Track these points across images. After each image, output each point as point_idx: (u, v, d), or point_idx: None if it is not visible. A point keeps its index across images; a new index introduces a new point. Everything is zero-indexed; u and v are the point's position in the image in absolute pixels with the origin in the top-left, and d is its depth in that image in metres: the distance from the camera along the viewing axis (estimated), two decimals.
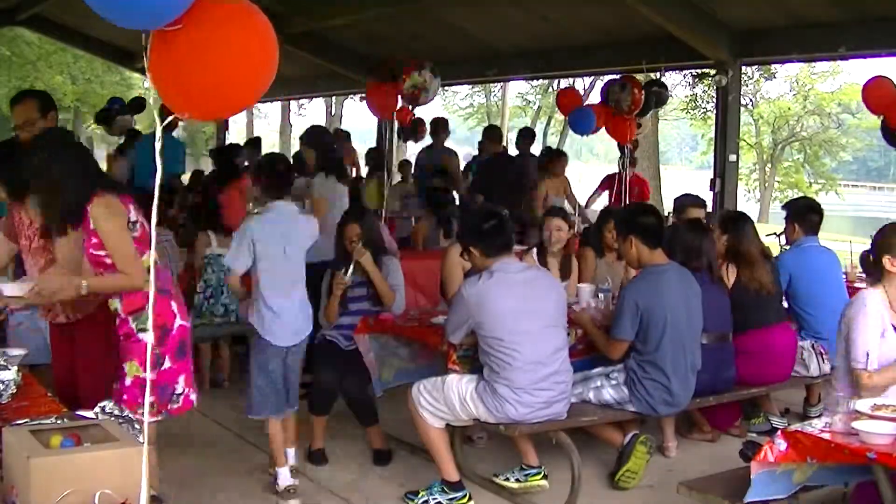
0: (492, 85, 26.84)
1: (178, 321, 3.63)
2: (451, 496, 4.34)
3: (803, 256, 5.71)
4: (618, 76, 9.27)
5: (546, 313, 4.30)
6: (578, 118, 9.23)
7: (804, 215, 5.83)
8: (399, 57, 8.84)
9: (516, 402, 4.16)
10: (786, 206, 6.13)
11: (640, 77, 9.06)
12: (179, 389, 3.64)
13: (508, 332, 4.16)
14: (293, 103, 30.66)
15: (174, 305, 3.62)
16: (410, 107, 8.66)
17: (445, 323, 4.48)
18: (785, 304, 5.62)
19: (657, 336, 4.54)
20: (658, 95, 9.02)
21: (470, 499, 4.38)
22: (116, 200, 3.44)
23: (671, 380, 4.56)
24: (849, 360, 3.79)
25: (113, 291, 3.48)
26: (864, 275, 5.33)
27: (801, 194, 26.84)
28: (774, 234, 7.20)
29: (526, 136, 10.04)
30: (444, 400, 4.30)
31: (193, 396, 3.70)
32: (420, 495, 4.39)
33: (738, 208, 8.99)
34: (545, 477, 4.58)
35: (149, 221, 3.08)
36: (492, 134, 10.20)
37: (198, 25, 2.21)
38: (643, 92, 8.74)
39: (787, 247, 6.09)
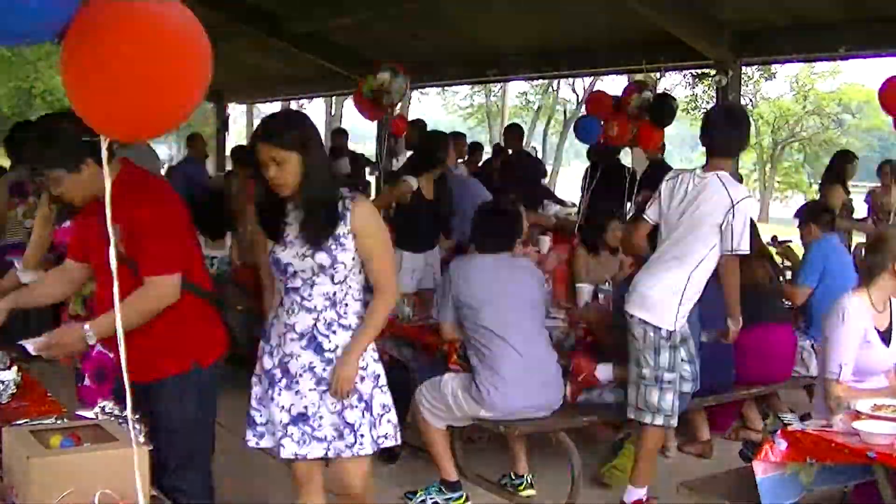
0: (492, 85, 26.84)
1: (98, 347, 3.54)
2: (447, 496, 4.37)
3: (833, 250, 5.69)
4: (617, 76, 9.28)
5: (525, 298, 4.37)
6: (583, 127, 9.10)
7: (819, 214, 5.83)
8: (376, 59, 8.98)
9: (498, 387, 4.19)
10: (798, 213, 6.13)
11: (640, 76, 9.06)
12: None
13: (486, 311, 4.24)
14: (293, 103, 30.66)
15: None
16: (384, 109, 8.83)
17: (438, 304, 4.57)
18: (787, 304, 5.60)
19: None
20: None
21: (467, 500, 4.40)
22: None
23: None
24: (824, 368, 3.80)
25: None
26: None
27: (800, 195, 26.88)
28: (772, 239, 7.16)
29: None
30: (441, 399, 4.33)
31: None
32: (418, 495, 4.42)
33: None
34: (531, 486, 4.61)
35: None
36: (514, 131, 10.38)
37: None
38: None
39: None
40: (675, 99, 9.26)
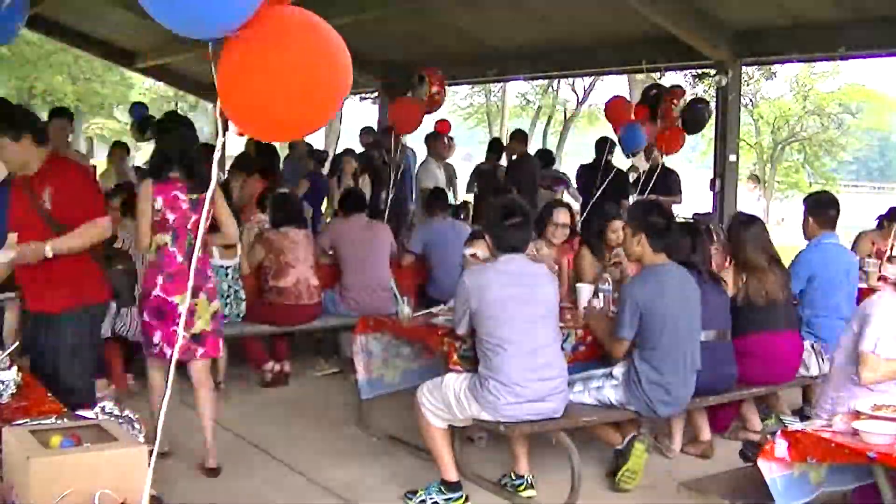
0: (492, 85, 26.83)
1: (156, 291, 4.54)
2: (447, 496, 4.37)
3: (824, 256, 5.65)
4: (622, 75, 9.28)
5: (541, 305, 4.36)
6: (630, 136, 8.64)
7: (819, 210, 5.73)
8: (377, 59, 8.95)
9: (507, 393, 4.18)
10: (805, 200, 6.06)
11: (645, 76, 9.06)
12: (156, 340, 4.58)
13: (502, 319, 4.22)
14: None
15: (159, 279, 4.54)
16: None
17: (453, 317, 4.55)
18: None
19: (656, 335, 4.55)
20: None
21: (467, 500, 4.40)
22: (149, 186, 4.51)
23: (670, 379, 4.56)
24: (854, 351, 3.85)
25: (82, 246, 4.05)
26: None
27: (800, 195, 26.82)
28: None
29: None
30: (443, 399, 4.33)
31: (168, 351, 4.53)
32: (418, 494, 4.42)
33: (739, 209, 8.98)
34: (531, 486, 4.61)
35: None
36: (519, 136, 10.41)
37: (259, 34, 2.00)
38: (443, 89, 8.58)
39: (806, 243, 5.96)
40: (707, 104, 9.21)
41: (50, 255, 3.93)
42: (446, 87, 8.67)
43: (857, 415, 3.31)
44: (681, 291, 4.65)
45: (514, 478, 4.62)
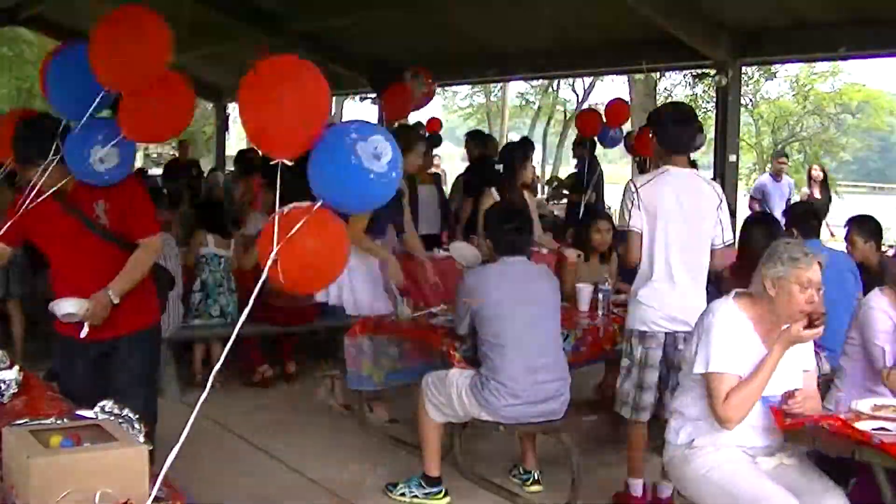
0: (492, 85, 26.83)
1: None
2: (427, 490, 4.42)
3: None
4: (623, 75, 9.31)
5: (540, 305, 4.36)
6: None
7: (802, 220, 5.77)
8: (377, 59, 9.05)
9: (507, 395, 4.18)
10: (785, 213, 6.13)
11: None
12: None
13: (503, 319, 4.22)
14: None
15: None
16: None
17: (454, 317, 4.57)
18: None
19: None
20: None
21: (446, 494, 4.43)
22: None
23: None
24: (864, 361, 3.89)
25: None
26: None
27: (798, 195, 26.81)
28: None
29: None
30: (446, 393, 4.34)
31: None
32: (398, 487, 4.47)
33: (738, 209, 9.00)
34: (538, 482, 4.63)
35: None
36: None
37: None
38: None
39: None
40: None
41: (116, 301, 3.58)
42: (440, 88, 8.88)
43: (857, 415, 3.30)
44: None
45: (522, 472, 4.65)
